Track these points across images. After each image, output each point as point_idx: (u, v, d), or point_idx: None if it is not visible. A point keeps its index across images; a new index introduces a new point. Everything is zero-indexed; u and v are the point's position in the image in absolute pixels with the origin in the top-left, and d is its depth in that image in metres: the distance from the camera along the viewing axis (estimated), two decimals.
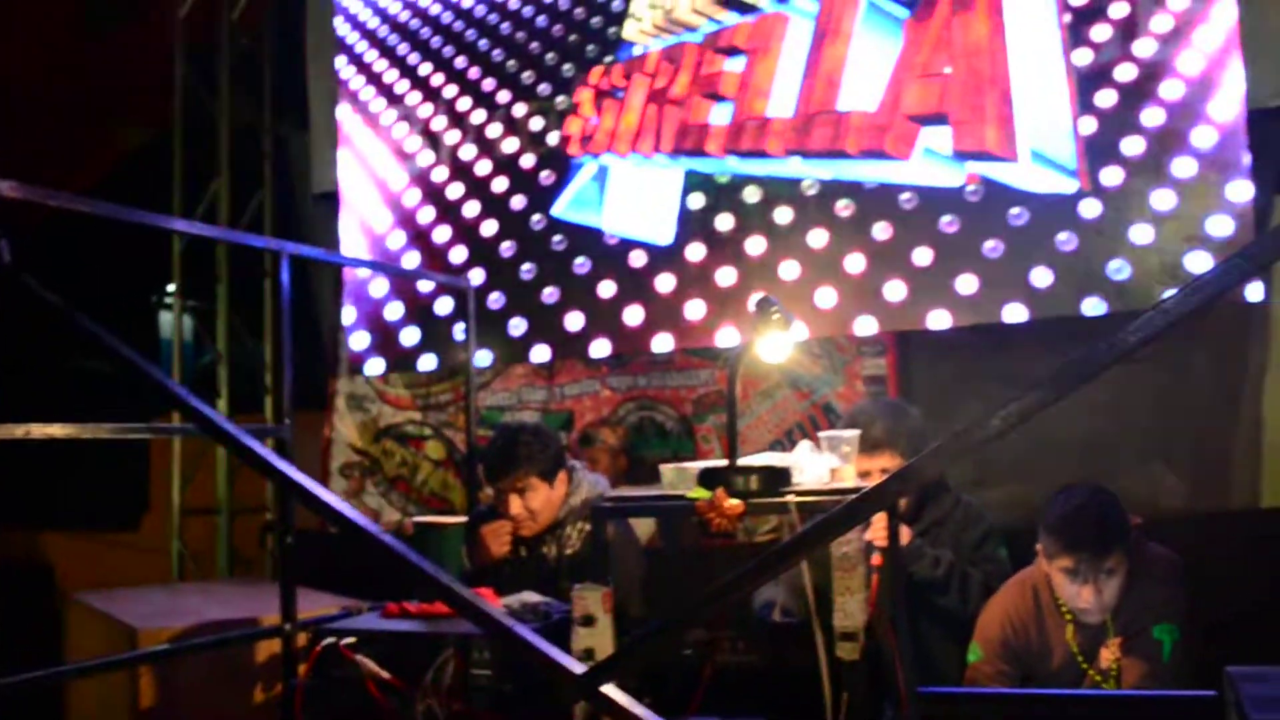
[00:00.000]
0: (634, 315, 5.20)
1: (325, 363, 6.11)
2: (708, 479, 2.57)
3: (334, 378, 6.09)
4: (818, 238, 4.90)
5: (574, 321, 5.32)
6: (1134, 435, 4.51)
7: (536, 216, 5.47)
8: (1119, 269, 4.43)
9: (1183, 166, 4.40)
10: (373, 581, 3.60)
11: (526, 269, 5.45)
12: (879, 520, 2.87)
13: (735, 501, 2.47)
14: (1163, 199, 4.41)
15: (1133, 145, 4.47)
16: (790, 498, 2.47)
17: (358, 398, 6.04)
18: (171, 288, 6.82)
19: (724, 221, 5.08)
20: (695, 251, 5.13)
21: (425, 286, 5.67)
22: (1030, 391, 1.36)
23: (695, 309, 5.10)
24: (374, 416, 6.00)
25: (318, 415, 6.07)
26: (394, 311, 5.79)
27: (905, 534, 3.26)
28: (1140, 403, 4.50)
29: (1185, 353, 4.47)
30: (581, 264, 5.33)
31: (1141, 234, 4.42)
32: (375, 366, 5.85)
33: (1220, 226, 4.32)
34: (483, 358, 5.45)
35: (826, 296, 4.83)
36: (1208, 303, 1.35)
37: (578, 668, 1.72)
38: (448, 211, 5.68)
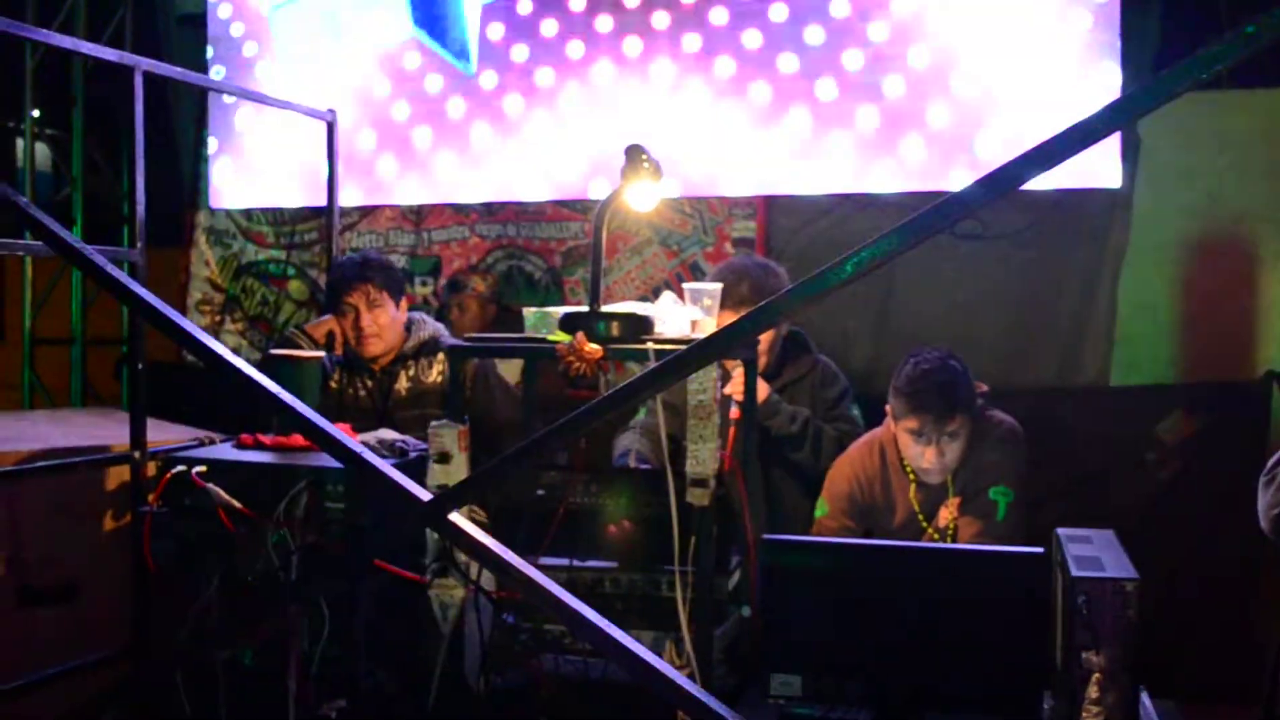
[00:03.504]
0: (507, 161, 5.12)
1: (185, 196, 5.89)
2: (569, 323, 2.58)
3: (194, 210, 5.88)
4: (696, 94, 4.87)
5: (446, 165, 5.23)
6: (996, 309, 4.65)
7: (411, 55, 5.31)
8: (988, 145, 4.51)
9: (1055, 50, 4.46)
10: (226, 414, 3.56)
11: (399, 109, 5.31)
12: (738, 375, 2.93)
13: (595, 346, 2.49)
14: (1035, 81, 4.48)
15: (1009, 27, 4.51)
16: (649, 344, 2.49)
17: (218, 232, 5.86)
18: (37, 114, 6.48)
19: (602, 72, 5.01)
20: (571, 100, 5.05)
21: (293, 120, 5.48)
22: (883, 238, 1.38)
23: (569, 158, 5.05)
24: (235, 253, 5.83)
25: (177, 252, 5.88)
26: (260, 144, 5.59)
27: (764, 390, 3.33)
28: (1006, 279, 4.64)
29: (1054, 235, 4.59)
30: (455, 106, 5.22)
31: (1011, 113, 4.49)
32: (239, 200, 5.67)
33: (1088, 110, 4.40)
34: (351, 197, 5.32)
35: (700, 155, 4.82)
36: (1041, 170, 1.40)
37: (425, 495, 1.73)
38: (319, 46, 5.47)
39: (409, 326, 3.62)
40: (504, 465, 1.75)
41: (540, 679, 2.58)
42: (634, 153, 2.58)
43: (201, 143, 5.77)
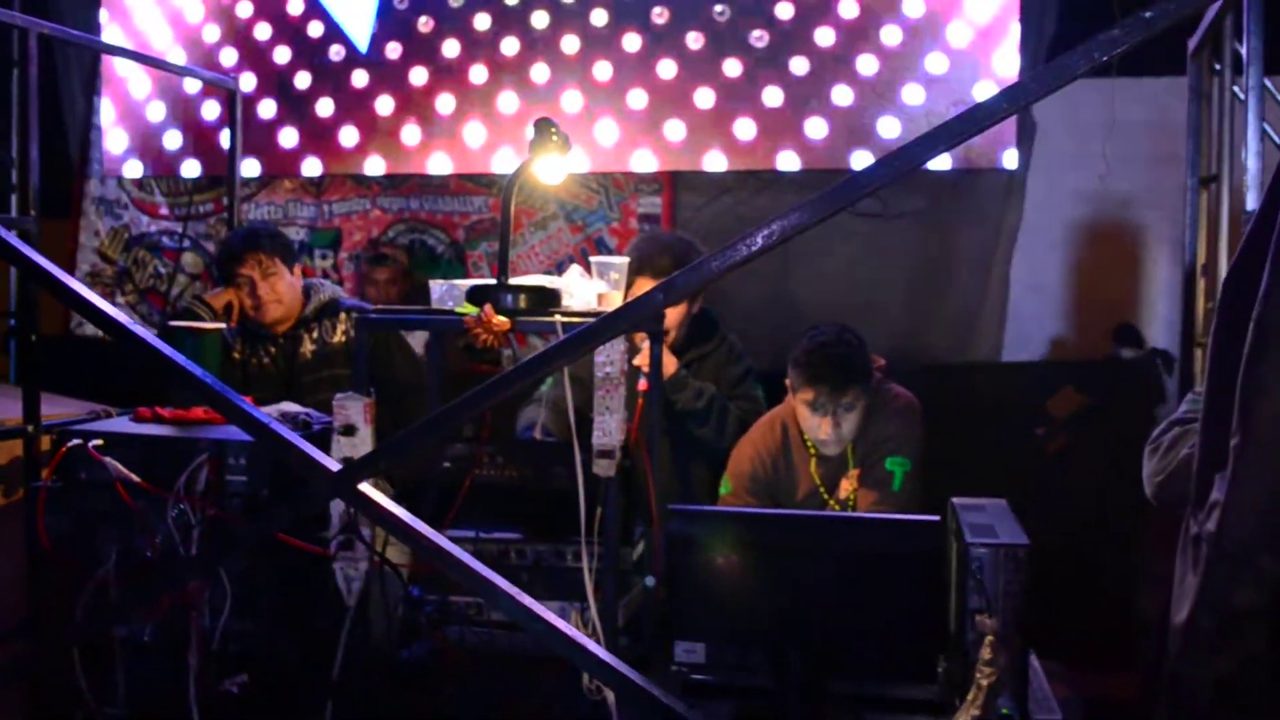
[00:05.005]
0: (411, 135, 5.08)
1: (73, 165, 5.70)
2: (477, 296, 2.57)
3: (83, 180, 5.70)
4: (603, 70, 4.87)
5: (348, 137, 5.16)
6: (897, 287, 4.75)
7: (314, 24, 5.22)
8: (889, 126, 4.59)
9: (957, 33, 4.56)
10: (116, 388, 3.48)
11: (301, 78, 5.23)
12: (646, 347, 2.95)
13: (502, 318, 2.49)
14: (936, 63, 4.57)
15: (913, 7, 4.60)
16: (556, 317, 2.50)
17: (109, 203, 5.70)
18: None
19: (509, 46, 4.98)
20: (477, 74, 5.02)
21: (191, 87, 5.36)
22: (792, 212, 1.41)
23: (474, 132, 5.02)
24: (126, 224, 5.68)
25: (63, 224, 5.69)
26: (156, 112, 5.46)
27: (671, 365, 3.36)
28: (905, 258, 4.74)
29: (951, 214, 4.70)
30: (359, 77, 5.15)
31: (913, 95, 4.59)
32: (133, 169, 5.53)
33: (987, 92, 4.52)
34: (249, 168, 5.22)
35: (607, 131, 4.83)
36: (940, 150, 1.45)
37: (334, 466, 1.73)
38: (219, 12, 5.35)
39: (307, 291, 3.59)
40: (414, 436, 1.75)
41: (447, 650, 2.58)
42: (542, 126, 2.58)
43: (92, 109, 5.60)
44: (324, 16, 5.21)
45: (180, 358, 1.77)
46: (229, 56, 5.29)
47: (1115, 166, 4.63)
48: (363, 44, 5.16)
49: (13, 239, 1.68)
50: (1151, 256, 4.73)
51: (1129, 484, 4.40)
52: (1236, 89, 3.38)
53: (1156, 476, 2.42)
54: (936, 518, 2.48)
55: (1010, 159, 4.57)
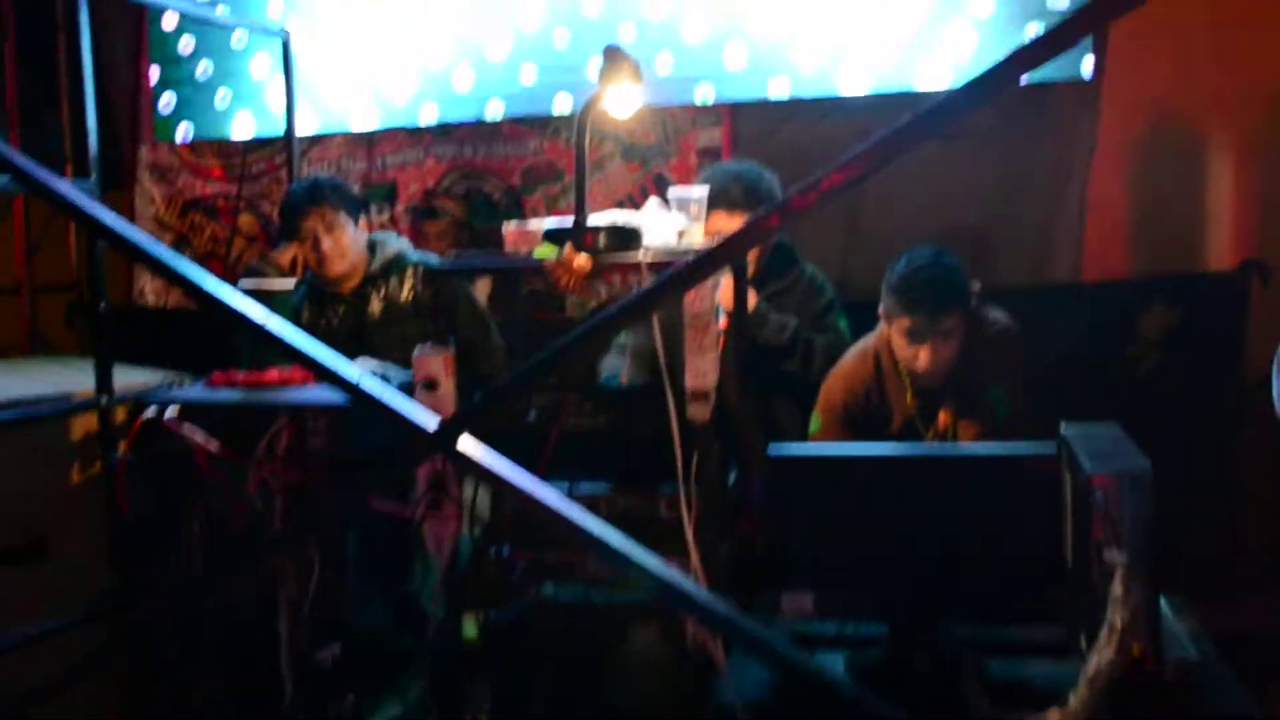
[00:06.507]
0: (463, 80, 4.94)
1: (122, 134, 5.62)
2: (555, 237, 2.46)
3: (135, 146, 5.63)
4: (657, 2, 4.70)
5: (399, 86, 5.04)
6: (970, 210, 4.56)
7: None
8: (959, 44, 4.39)
9: None
10: (185, 356, 3.41)
11: (347, 27, 5.10)
12: (726, 283, 2.82)
13: (584, 257, 2.38)
14: None
15: None
16: (641, 255, 2.38)
17: (161, 168, 5.62)
18: None
19: None
20: (529, 13, 4.86)
21: (240, 43, 5.24)
22: (891, 133, 1.31)
23: (528, 74, 4.88)
24: (180, 189, 5.61)
25: (117, 196, 5.62)
26: (204, 70, 5.35)
27: (751, 299, 3.23)
28: (978, 178, 4.55)
29: (1025, 129, 4.50)
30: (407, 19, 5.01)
31: (981, 7, 4.38)
32: (184, 132, 5.44)
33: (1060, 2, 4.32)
34: (304, 123, 5.11)
35: (664, 63, 4.67)
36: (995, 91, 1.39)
37: (432, 423, 1.62)
38: None
39: (372, 247, 3.49)
40: (512, 387, 1.64)
41: (541, 609, 2.50)
42: (613, 54, 2.45)
43: (138, 72, 5.51)
44: None
45: (263, 313, 1.66)
46: (275, 7, 5.16)
47: (1180, 75, 4.41)
48: None
49: (83, 198, 1.58)
50: (1220, 168, 4.51)
51: (1224, 403, 4.27)
52: None
53: None
54: (1053, 448, 2.34)
55: (1086, 66, 4.36)
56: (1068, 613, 2.31)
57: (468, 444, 1.61)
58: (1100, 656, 2.02)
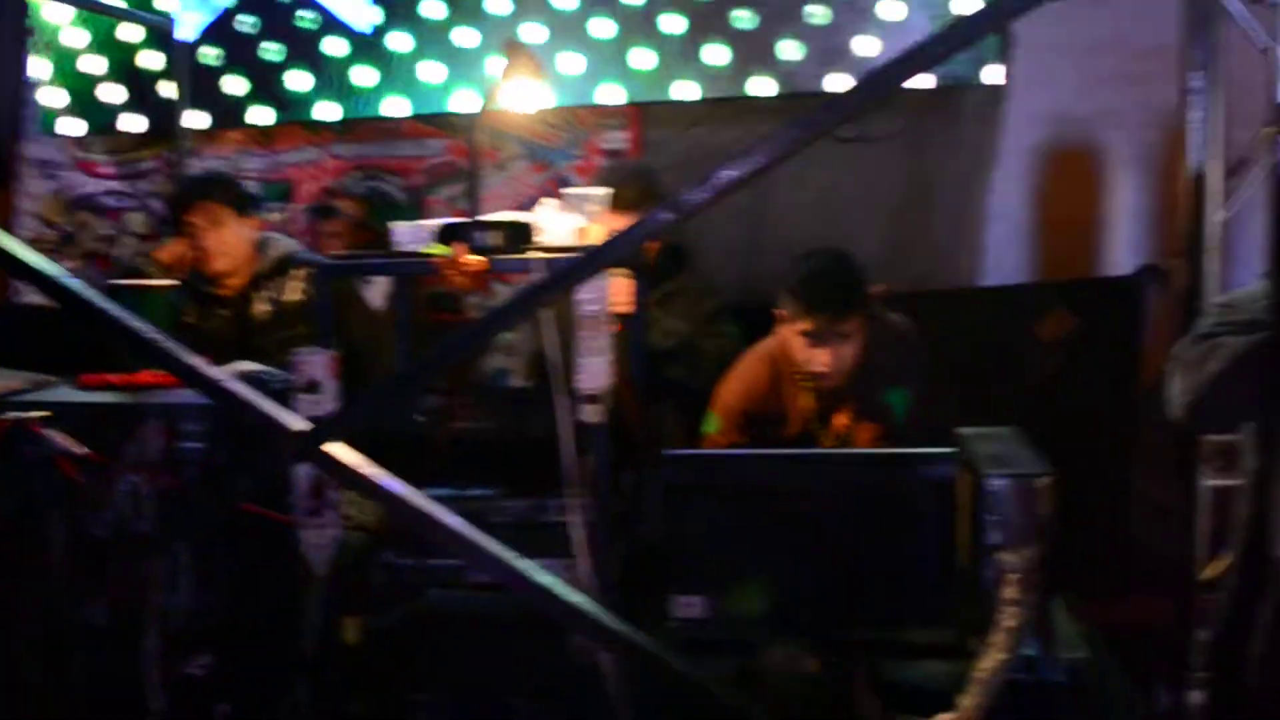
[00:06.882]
0: (364, 76, 4.84)
1: (4, 126, 5.40)
2: (448, 235, 2.39)
3: (18, 141, 5.41)
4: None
5: (298, 82, 4.91)
6: (875, 213, 4.59)
7: None
8: (864, 45, 4.41)
9: None
10: (67, 358, 3.26)
11: (247, 21, 4.96)
12: (619, 285, 2.77)
13: (478, 257, 2.31)
14: None
15: None
16: (535, 253, 2.32)
17: (47, 164, 5.42)
18: None
19: None
20: (432, 8, 4.77)
21: (129, 35, 5.07)
22: (774, 136, 1.29)
23: (431, 71, 4.78)
24: (66, 185, 5.41)
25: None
26: (93, 65, 5.17)
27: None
28: (884, 182, 4.58)
29: (932, 135, 4.53)
30: (309, 17, 4.90)
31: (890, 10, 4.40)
32: (72, 128, 5.25)
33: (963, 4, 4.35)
34: (196, 119, 4.96)
35: (571, 63, 4.61)
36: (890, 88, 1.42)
37: (300, 424, 1.55)
38: None
39: (261, 246, 3.38)
40: (389, 389, 1.57)
41: (425, 617, 2.43)
42: (514, 48, 2.38)
43: (21, 67, 5.30)
44: None
45: (121, 313, 1.58)
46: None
47: (1082, 86, 4.48)
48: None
49: None
50: (1116, 176, 4.59)
51: (1122, 405, 4.33)
52: None
53: (1185, 396, 2.27)
54: (951, 450, 2.32)
55: (992, 74, 4.40)
56: (960, 615, 2.30)
57: (337, 448, 1.54)
58: (991, 658, 2.00)
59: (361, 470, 1.50)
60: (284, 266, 3.37)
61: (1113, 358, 4.41)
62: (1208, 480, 3.37)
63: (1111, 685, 2.25)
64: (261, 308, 3.34)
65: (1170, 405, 2.34)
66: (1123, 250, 4.59)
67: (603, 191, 2.68)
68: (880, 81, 1.42)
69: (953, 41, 1.39)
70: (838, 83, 4.41)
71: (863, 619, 2.34)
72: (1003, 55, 4.40)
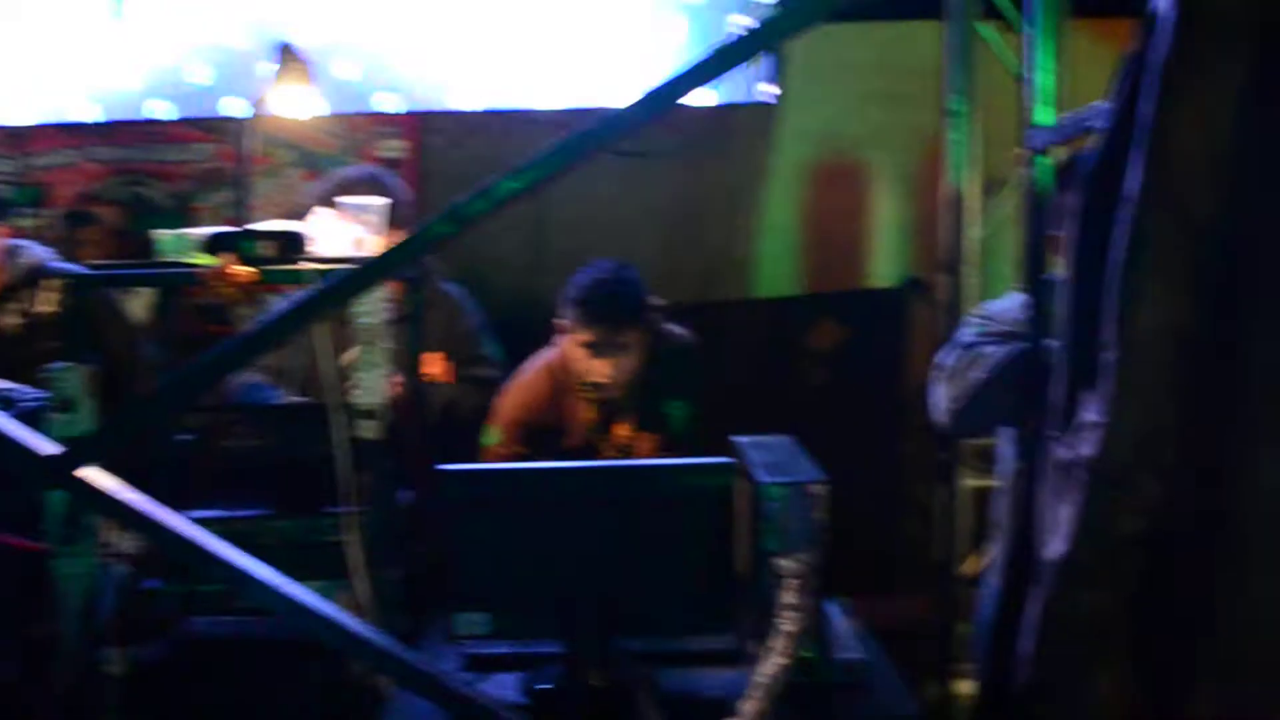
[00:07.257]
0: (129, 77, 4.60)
1: None
2: (216, 245, 2.29)
3: None
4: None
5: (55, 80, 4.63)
6: (653, 228, 4.64)
7: None
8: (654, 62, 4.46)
9: None
10: None
11: None
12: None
13: (247, 269, 2.22)
14: None
15: None
16: (307, 265, 2.25)
17: None
18: None
19: None
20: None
21: None
22: (551, 151, 1.33)
23: (198, 72, 4.59)
24: None
25: None
26: None
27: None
28: (662, 197, 4.64)
29: (708, 152, 4.63)
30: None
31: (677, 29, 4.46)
32: None
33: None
34: None
35: (347, 69, 4.50)
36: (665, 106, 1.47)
37: (51, 448, 1.45)
38: None
39: (10, 254, 3.16)
40: (148, 407, 1.49)
41: (191, 646, 2.32)
42: (284, 52, 2.31)
43: None
44: None
45: None
46: None
47: (850, 106, 4.70)
48: None
49: None
50: (881, 193, 4.81)
51: (888, 411, 4.52)
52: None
53: (950, 403, 2.38)
54: (729, 459, 2.37)
55: (767, 92, 4.52)
56: (740, 621, 2.34)
57: (91, 472, 1.44)
58: (771, 662, 2.04)
59: (119, 496, 1.41)
60: (35, 276, 3.16)
61: (879, 367, 4.62)
62: (967, 481, 3.57)
63: (886, 683, 2.33)
64: (10, 320, 3.12)
65: (934, 411, 2.45)
66: (887, 263, 4.81)
67: (384, 202, 2.62)
68: (658, 98, 1.44)
69: (727, 60, 1.41)
70: (622, 98, 4.45)
71: (644, 629, 2.35)
72: (775, 75, 4.53)
